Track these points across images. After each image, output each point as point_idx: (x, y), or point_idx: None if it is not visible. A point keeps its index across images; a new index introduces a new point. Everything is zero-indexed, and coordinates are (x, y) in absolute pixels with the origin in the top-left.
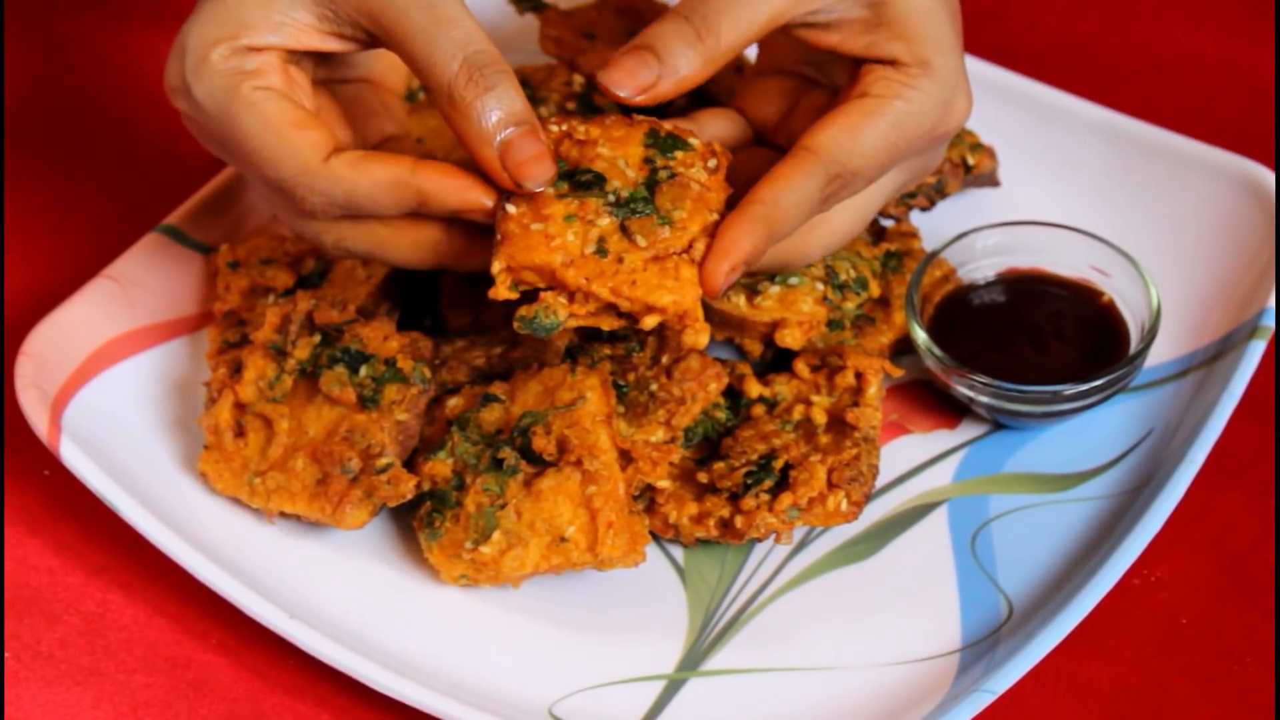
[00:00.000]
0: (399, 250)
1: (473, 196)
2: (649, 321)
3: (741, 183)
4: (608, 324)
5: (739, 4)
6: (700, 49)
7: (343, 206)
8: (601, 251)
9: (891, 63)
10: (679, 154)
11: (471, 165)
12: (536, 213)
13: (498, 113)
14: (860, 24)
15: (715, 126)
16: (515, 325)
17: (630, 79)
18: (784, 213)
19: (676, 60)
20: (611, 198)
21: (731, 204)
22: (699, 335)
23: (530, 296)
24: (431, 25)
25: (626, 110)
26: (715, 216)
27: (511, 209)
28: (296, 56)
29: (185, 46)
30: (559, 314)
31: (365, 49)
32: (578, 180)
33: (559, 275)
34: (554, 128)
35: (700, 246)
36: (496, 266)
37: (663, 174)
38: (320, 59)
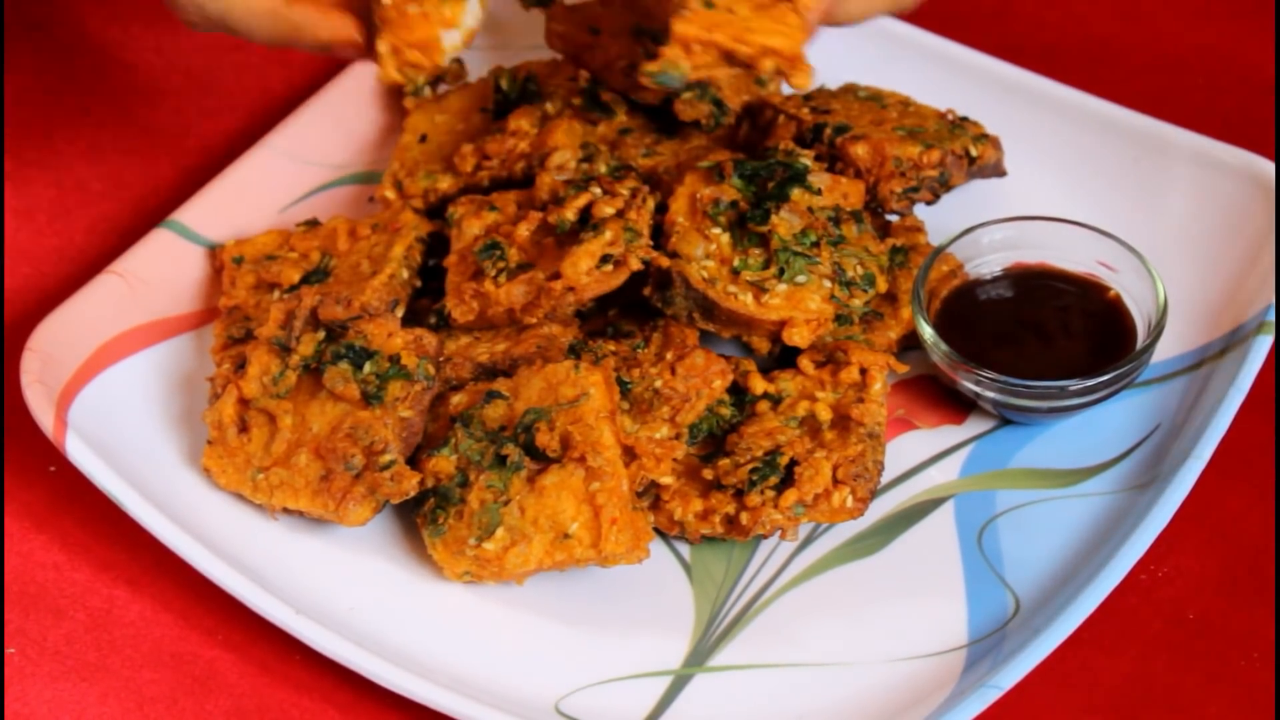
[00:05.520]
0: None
1: (342, 27)
2: (766, 65)
3: None
4: (723, 73)
5: None
6: None
7: (216, 25)
8: (708, 4)
9: None
10: None
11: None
12: None
13: None
14: None
15: None
16: (642, 80)
17: None
18: None
19: None
20: None
21: None
22: (807, 76)
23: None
24: None
25: None
26: None
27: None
28: None
29: None
30: (682, 66)
31: None
32: None
33: (676, 30)
34: None
35: None
36: (383, 47)
37: None
38: None
